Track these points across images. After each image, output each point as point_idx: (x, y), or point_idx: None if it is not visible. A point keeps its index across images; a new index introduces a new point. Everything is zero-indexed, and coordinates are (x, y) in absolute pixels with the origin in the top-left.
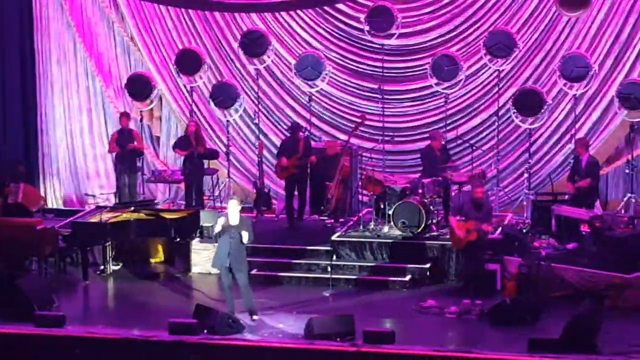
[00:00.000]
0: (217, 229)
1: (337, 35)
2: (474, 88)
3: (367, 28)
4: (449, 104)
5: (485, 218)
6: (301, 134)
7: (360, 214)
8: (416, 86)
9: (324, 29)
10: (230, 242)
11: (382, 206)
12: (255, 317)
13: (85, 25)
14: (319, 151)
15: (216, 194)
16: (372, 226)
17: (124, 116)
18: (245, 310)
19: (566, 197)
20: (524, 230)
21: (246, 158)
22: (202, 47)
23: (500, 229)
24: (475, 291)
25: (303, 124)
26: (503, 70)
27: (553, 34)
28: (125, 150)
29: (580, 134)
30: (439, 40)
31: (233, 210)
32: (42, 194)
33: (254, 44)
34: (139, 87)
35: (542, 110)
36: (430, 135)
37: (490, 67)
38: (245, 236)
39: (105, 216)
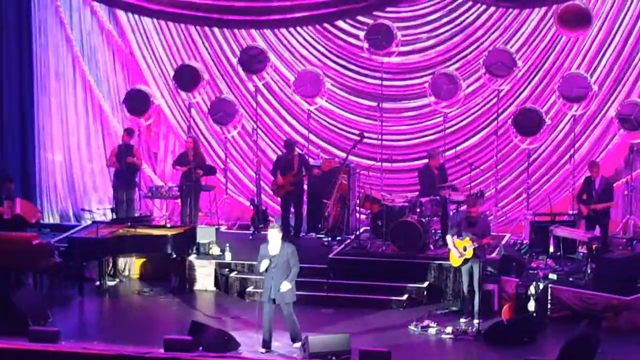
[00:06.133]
0: (262, 267)
1: (336, 52)
2: (473, 107)
3: (366, 46)
4: (447, 123)
5: (483, 234)
6: (296, 150)
7: (358, 233)
8: (415, 104)
9: (323, 46)
10: (273, 273)
11: (379, 225)
12: (295, 344)
13: (84, 39)
14: (316, 168)
15: (213, 210)
16: (369, 245)
17: (126, 132)
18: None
19: (572, 216)
20: (522, 251)
21: (244, 174)
22: (201, 63)
23: (498, 249)
24: (472, 310)
25: (301, 140)
26: (502, 89)
27: (553, 53)
28: (123, 164)
29: (579, 155)
30: (439, 59)
31: (274, 239)
32: (39, 208)
33: (253, 60)
34: (137, 102)
35: (541, 130)
36: (428, 154)
37: (489, 87)
38: (285, 287)
39: (102, 232)
